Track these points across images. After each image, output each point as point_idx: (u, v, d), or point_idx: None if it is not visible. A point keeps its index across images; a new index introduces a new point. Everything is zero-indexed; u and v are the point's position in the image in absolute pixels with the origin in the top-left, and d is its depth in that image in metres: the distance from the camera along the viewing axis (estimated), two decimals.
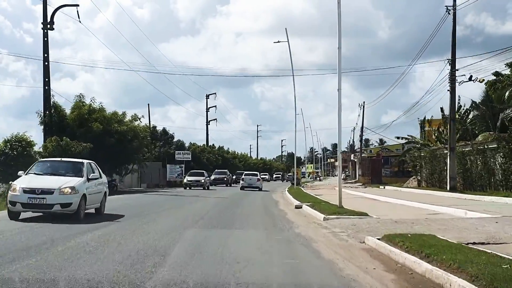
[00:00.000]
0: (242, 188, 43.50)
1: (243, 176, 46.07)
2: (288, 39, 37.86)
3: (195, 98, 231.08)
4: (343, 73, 23.40)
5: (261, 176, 52.09)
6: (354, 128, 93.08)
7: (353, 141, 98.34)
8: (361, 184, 56.71)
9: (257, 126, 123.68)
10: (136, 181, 49.78)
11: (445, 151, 35.68)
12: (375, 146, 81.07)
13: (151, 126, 56.03)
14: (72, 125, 34.32)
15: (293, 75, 40.31)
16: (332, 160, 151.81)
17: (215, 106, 75.53)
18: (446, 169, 33.78)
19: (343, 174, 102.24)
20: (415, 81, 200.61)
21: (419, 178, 43.70)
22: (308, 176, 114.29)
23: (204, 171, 47.30)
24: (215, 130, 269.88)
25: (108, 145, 34.34)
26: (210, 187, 45.94)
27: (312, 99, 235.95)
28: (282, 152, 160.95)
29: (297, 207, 22.13)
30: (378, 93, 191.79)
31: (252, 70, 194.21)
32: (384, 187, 46.24)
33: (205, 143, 73.63)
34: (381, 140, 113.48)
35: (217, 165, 65.52)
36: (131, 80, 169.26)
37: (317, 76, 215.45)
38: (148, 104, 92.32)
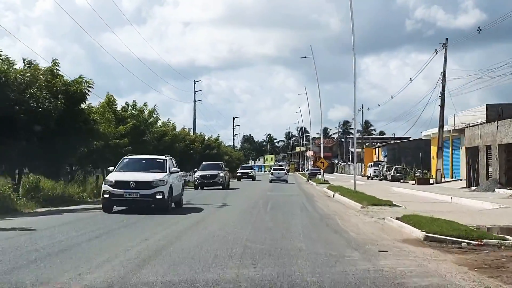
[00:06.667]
0: (271, 181, 47.61)
1: (271, 171, 53.11)
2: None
3: (140, 90, 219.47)
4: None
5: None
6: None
7: None
8: None
9: (194, 82, 73.38)
10: None
11: None
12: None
13: None
14: None
15: None
16: (303, 148, 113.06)
17: None
18: None
19: (373, 170, 60.83)
20: (362, 75, 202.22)
21: None
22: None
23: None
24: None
25: None
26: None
27: (260, 92, 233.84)
28: (234, 134, 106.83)
29: None
30: (326, 88, 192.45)
31: (200, 61, 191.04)
32: None
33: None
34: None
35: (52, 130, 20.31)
36: (73, 71, 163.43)
37: (266, 69, 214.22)
38: None
